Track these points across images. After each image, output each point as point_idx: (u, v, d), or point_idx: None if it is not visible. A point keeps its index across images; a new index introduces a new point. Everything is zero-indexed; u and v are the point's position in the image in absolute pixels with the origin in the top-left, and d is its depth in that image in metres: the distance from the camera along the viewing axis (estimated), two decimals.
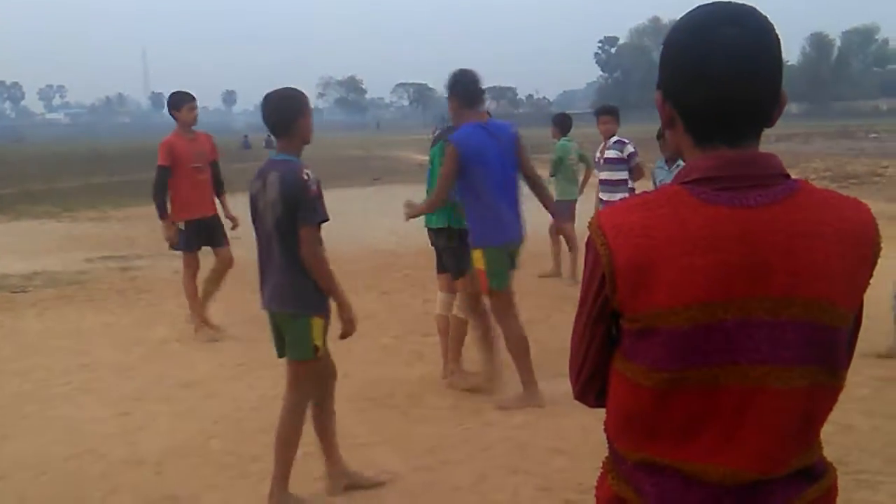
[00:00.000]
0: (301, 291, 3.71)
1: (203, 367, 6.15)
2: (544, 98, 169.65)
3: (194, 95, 7.15)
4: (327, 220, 3.83)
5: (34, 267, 10.46)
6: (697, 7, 1.39)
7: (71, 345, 6.91)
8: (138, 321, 7.66)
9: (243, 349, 6.61)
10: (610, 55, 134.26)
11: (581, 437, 4.55)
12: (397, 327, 7.20)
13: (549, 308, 7.62)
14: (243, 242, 8.35)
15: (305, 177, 3.68)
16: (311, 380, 3.91)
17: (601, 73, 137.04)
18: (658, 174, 6.40)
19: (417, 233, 12.62)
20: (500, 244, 4.98)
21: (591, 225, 1.42)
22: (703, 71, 1.33)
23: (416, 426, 4.84)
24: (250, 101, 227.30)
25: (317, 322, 3.76)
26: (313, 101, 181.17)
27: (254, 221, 3.83)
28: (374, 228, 13.61)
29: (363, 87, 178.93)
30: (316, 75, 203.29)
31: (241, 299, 8.39)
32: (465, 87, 5.09)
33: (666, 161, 6.27)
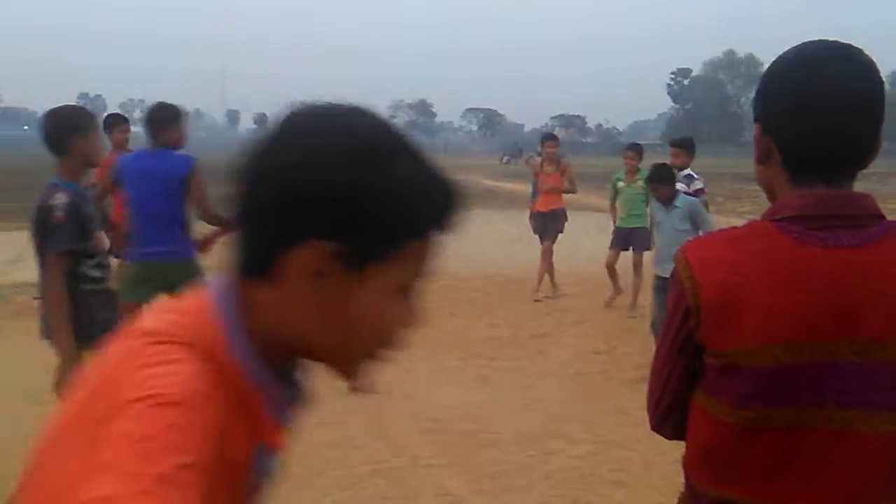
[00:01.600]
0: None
1: None
2: (614, 128, 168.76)
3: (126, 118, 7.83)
4: (73, 248, 3.54)
5: None
6: (803, 43, 1.40)
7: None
8: None
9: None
10: (682, 86, 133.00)
11: (643, 470, 4.52)
12: (462, 350, 7.24)
13: (614, 339, 7.59)
14: None
15: (53, 202, 3.49)
16: None
17: (672, 104, 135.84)
18: (657, 214, 6.54)
19: (485, 257, 12.78)
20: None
21: (677, 258, 1.43)
22: (809, 106, 1.33)
23: (479, 450, 4.86)
24: None
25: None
26: None
27: None
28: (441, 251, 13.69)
29: (433, 110, 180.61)
30: (388, 97, 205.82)
31: None
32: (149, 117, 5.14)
33: (663, 203, 6.41)
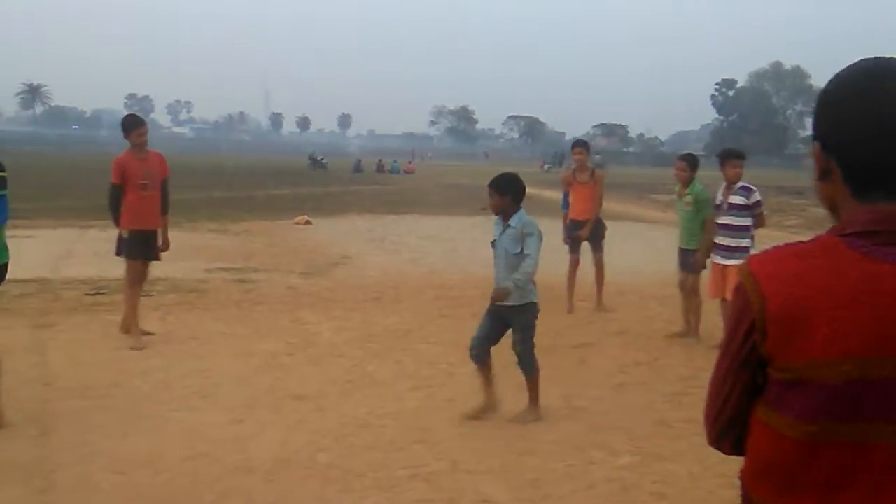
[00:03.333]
0: None
1: (313, 382, 6.31)
2: (656, 137, 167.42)
3: (144, 120, 7.95)
4: None
5: (158, 273, 10.95)
6: (860, 61, 1.41)
7: (189, 350, 7.21)
8: (252, 332, 7.92)
9: (351, 367, 6.76)
10: (727, 97, 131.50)
11: (688, 483, 4.46)
12: (504, 356, 7.19)
13: (656, 351, 7.53)
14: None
15: None
16: None
17: (717, 115, 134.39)
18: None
19: None
20: None
21: (742, 271, 1.43)
22: (873, 124, 1.34)
23: (520, 458, 4.84)
24: (365, 125, 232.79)
25: None
26: (425, 129, 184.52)
27: None
28: (480, 257, 13.67)
29: (474, 117, 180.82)
30: (430, 102, 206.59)
31: (357, 319, 8.61)
32: None
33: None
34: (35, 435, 5.04)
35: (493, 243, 5.56)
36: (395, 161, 56.40)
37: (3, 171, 5.39)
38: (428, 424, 5.38)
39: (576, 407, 5.86)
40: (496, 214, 5.48)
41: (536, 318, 5.54)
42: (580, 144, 9.64)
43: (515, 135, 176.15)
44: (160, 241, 7.73)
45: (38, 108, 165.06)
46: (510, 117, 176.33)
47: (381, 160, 55.95)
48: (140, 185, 7.42)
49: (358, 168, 50.82)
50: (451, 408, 5.77)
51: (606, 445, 5.05)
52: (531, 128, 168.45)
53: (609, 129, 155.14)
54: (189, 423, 5.34)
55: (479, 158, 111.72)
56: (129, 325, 7.45)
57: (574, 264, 9.40)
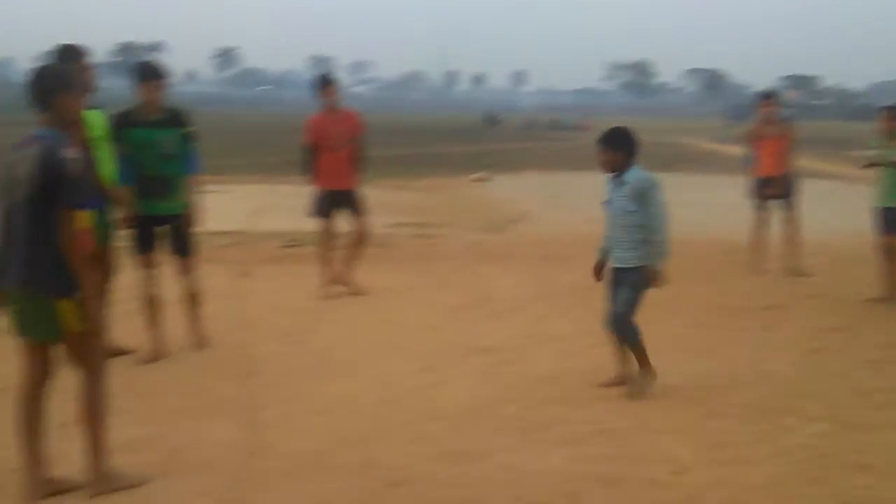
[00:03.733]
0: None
1: (495, 335, 6.43)
2: (852, 89, 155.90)
3: (333, 80, 7.90)
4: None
5: (344, 227, 11.45)
6: None
7: (377, 301, 7.52)
8: (436, 285, 8.15)
9: (532, 322, 6.84)
10: None
11: (890, 455, 4.23)
12: (687, 318, 7.05)
13: (854, 316, 7.12)
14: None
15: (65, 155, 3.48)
16: None
17: None
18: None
19: (708, 223, 12.33)
20: None
21: None
22: None
23: (706, 420, 4.75)
24: (538, 81, 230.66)
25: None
26: (600, 84, 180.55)
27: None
28: None
29: (652, 70, 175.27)
30: (605, 57, 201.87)
31: (536, 275, 8.67)
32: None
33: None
34: (241, 375, 5.44)
35: (606, 203, 5.19)
36: (570, 117, 55.71)
37: (192, 126, 5.92)
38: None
39: (764, 371, 5.66)
40: (607, 172, 5.11)
41: (650, 283, 5.07)
42: (768, 96, 9.19)
43: (696, 88, 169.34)
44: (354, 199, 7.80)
45: (231, 70, 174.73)
46: (690, 70, 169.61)
47: (555, 116, 55.43)
48: (331, 146, 7.62)
49: (532, 125, 50.63)
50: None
51: (799, 411, 4.85)
52: (712, 81, 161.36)
53: (798, 81, 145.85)
54: (379, 370, 5.60)
55: (657, 113, 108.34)
56: (331, 280, 7.75)
57: (761, 223, 8.98)
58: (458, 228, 11.72)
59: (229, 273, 8.38)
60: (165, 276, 6.00)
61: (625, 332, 5.07)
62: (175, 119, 5.84)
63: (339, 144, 7.65)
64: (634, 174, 5.00)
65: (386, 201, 14.75)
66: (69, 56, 5.29)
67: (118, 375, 4.92)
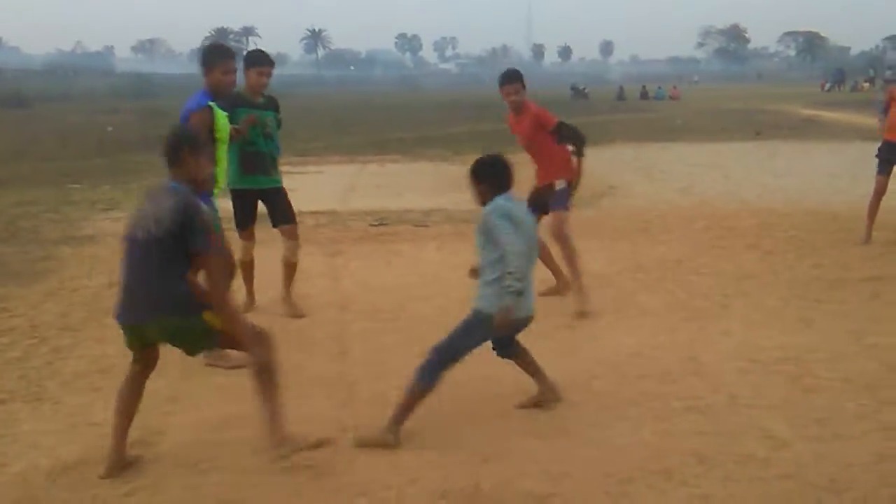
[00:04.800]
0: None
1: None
2: None
3: (515, 77, 6.61)
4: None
5: (432, 204, 11.53)
6: None
7: (464, 277, 7.54)
8: None
9: (622, 297, 6.76)
10: None
11: None
12: (782, 290, 6.86)
13: None
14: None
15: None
16: None
17: None
18: None
19: (806, 192, 11.92)
20: None
21: None
22: None
23: (804, 395, 4.63)
24: (626, 51, 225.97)
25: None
26: (691, 52, 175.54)
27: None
28: (755, 185, 13.01)
29: (746, 35, 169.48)
30: (696, 23, 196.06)
31: (626, 249, 8.57)
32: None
33: None
34: (335, 353, 5.57)
35: None
36: (660, 87, 54.46)
37: (279, 111, 6.41)
38: (702, 357, 5.28)
39: (867, 344, 5.46)
40: (479, 205, 4.39)
41: (478, 330, 4.24)
42: None
43: (792, 52, 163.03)
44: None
45: (320, 52, 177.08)
46: (786, 34, 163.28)
47: (644, 87, 54.27)
48: (523, 146, 6.73)
49: (621, 96, 49.71)
50: (725, 341, 5.62)
51: None
52: (810, 44, 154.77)
53: None
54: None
55: (752, 80, 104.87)
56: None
57: (880, 187, 8.58)
58: None
59: (322, 252, 8.55)
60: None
61: (420, 370, 4.19)
62: (273, 103, 6.37)
63: (527, 145, 6.69)
64: (490, 206, 4.25)
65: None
66: (216, 57, 5.48)
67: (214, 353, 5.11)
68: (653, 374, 5.01)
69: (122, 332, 3.88)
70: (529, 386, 4.61)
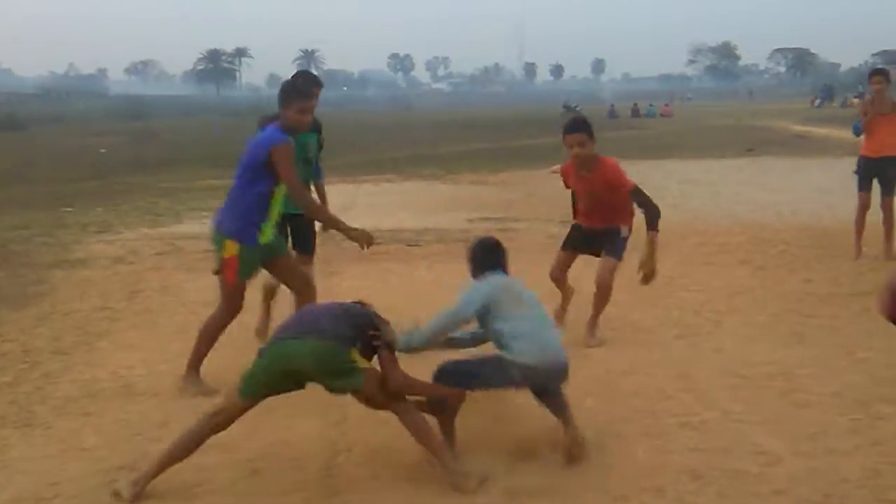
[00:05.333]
0: None
1: (576, 328, 6.38)
2: None
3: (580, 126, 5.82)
4: None
5: (424, 223, 11.55)
6: None
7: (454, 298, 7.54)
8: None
9: (615, 314, 6.75)
10: None
11: None
12: (774, 305, 6.89)
13: None
14: None
15: None
16: None
17: None
18: None
19: (797, 208, 11.97)
20: None
21: None
22: None
23: (795, 410, 4.63)
24: (618, 69, 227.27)
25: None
26: (682, 69, 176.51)
27: None
28: (747, 201, 13.08)
29: (737, 53, 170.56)
30: (687, 41, 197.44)
31: (625, 265, 8.55)
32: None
33: None
34: None
35: None
36: (651, 104, 54.77)
37: (321, 132, 6.20)
38: (694, 373, 5.29)
39: (858, 359, 5.48)
40: None
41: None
42: (878, 73, 8.79)
43: (783, 69, 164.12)
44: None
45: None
46: (776, 50, 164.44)
47: (636, 104, 54.58)
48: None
49: (613, 114, 49.93)
50: (718, 357, 5.63)
51: (894, 400, 4.69)
52: (800, 60, 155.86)
53: (892, 56, 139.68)
54: None
55: (743, 97, 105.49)
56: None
57: (864, 203, 8.62)
58: (538, 221, 11.66)
59: (317, 272, 8.53)
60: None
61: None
62: (315, 125, 6.04)
63: (588, 196, 6.09)
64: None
65: (465, 196, 14.86)
66: (292, 95, 5.24)
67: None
68: (646, 391, 5.01)
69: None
70: (519, 406, 4.61)
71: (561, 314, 6.44)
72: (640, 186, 5.83)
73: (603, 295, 6.01)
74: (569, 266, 6.35)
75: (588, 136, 5.66)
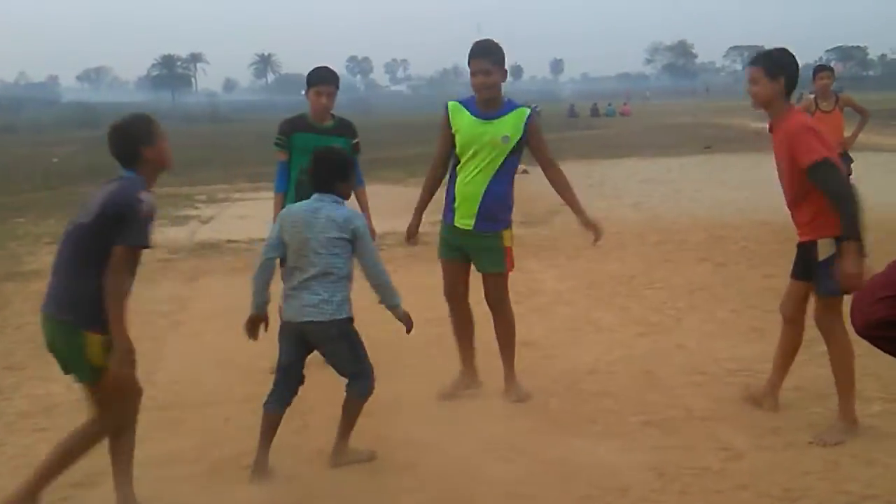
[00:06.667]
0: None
1: (539, 329, 6.38)
2: None
3: None
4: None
5: (385, 227, 11.45)
6: None
7: (422, 300, 7.49)
8: (476, 282, 8.10)
9: (576, 314, 6.77)
10: None
11: None
12: (734, 301, 6.94)
13: None
14: None
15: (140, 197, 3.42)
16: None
17: None
18: None
19: (756, 204, 12.08)
20: None
21: None
22: None
23: (758, 405, 4.65)
24: (577, 69, 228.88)
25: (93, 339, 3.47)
26: (640, 68, 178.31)
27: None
28: (706, 199, 13.20)
29: (693, 51, 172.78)
30: (644, 40, 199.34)
31: (580, 266, 8.59)
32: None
33: None
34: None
35: None
36: (610, 104, 55.17)
37: (358, 137, 5.79)
38: (657, 371, 5.30)
39: (817, 353, 5.49)
40: None
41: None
42: (824, 69, 8.94)
43: (739, 66, 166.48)
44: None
45: (270, 78, 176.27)
46: (732, 48, 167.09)
47: (595, 104, 54.94)
48: None
49: (572, 113, 50.23)
50: (680, 354, 5.66)
51: (856, 393, 4.72)
52: None
53: (845, 53, 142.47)
54: (423, 368, 5.58)
55: (700, 95, 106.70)
56: None
57: None
58: None
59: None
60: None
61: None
62: (345, 128, 5.70)
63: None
64: None
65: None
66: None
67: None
68: (609, 390, 5.01)
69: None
70: (484, 408, 4.58)
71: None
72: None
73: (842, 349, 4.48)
74: None
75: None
